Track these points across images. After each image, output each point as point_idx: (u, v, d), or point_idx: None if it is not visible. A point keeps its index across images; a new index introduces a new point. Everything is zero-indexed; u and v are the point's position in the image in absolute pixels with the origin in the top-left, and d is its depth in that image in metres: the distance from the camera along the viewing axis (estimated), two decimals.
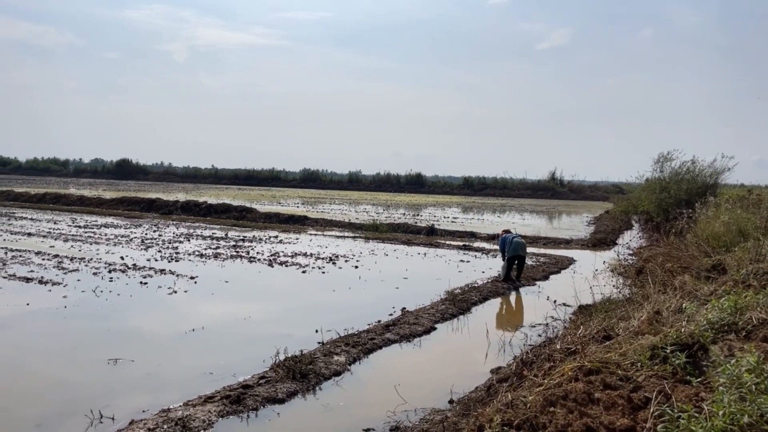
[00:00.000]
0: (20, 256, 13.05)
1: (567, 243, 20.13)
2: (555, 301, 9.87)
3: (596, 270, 13.34)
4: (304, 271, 12.50)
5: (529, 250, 16.98)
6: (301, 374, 6.01)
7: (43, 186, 48.19)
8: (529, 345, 6.90)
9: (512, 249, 11.81)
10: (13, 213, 25.05)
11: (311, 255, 14.87)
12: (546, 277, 13.06)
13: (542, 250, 17.65)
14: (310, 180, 76.22)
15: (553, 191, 63.77)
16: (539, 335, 7.73)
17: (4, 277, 10.63)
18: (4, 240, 15.81)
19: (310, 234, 20.60)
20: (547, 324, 8.20)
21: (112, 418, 5.01)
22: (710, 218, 12.63)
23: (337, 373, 6.31)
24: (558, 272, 13.86)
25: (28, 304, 8.78)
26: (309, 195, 52.88)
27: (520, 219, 31.09)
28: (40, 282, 10.35)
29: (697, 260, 9.52)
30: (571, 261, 15.60)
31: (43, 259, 12.73)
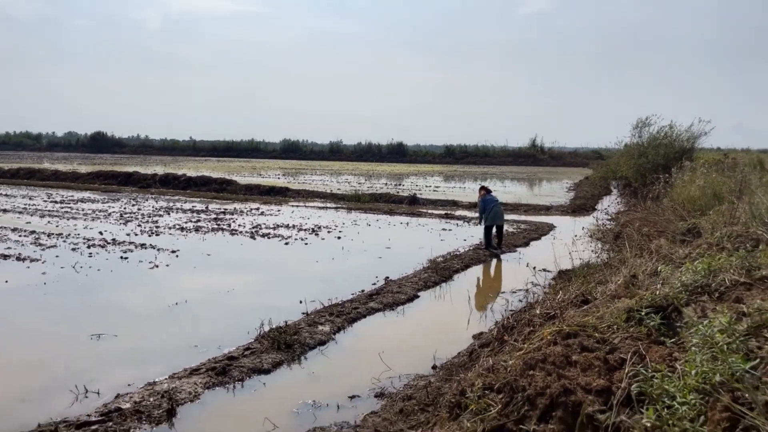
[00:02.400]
0: None
1: (547, 210, 20.34)
2: (535, 267, 10.03)
3: (575, 236, 13.53)
4: (286, 243, 12.49)
5: (511, 217, 17.21)
6: (286, 344, 6.06)
7: (16, 161, 47.03)
8: (510, 311, 7.02)
9: (491, 217, 11.88)
10: None
11: (293, 226, 14.84)
12: (527, 244, 13.23)
13: (523, 217, 17.83)
14: (291, 151, 75.44)
15: (533, 158, 64.09)
16: (520, 301, 7.87)
17: None
18: None
19: (292, 205, 20.51)
20: (528, 290, 8.35)
21: (98, 393, 5.02)
22: (686, 182, 12.84)
23: (322, 343, 6.38)
24: (538, 239, 14.04)
25: (6, 281, 8.66)
26: (290, 166, 52.43)
27: (501, 186, 31.27)
28: (18, 259, 10.20)
29: (672, 224, 9.71)
30: (551, 227, 15.80)
31: (20, 236, 12.52)
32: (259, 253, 11.53)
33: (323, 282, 9.03)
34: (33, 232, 13.06)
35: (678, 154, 21.05)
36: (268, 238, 13.09)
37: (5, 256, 10.35)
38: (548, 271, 9.62)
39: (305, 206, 20.26)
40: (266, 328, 6.39)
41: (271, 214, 17.50)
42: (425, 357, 5.91)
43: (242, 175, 35.50)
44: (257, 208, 19.01)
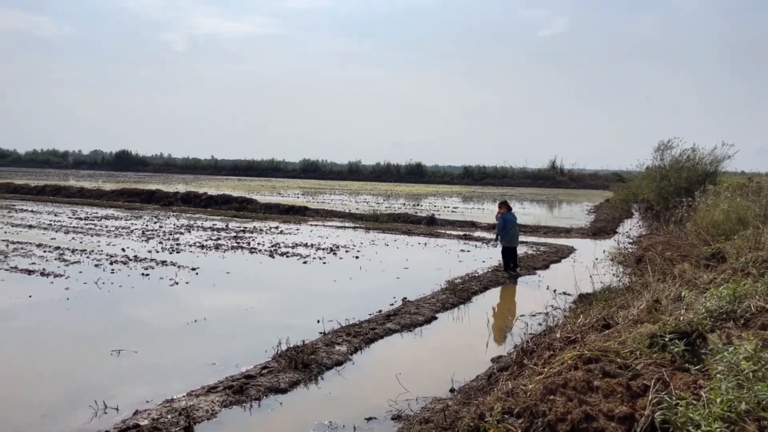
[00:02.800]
0: (22, 248, 13.08)
1: (567, 232, 20.15)
2: (555, 290, 9.91)
3: (596, 259, 13.37)
4: (305, 262, 12.54)
5: (530, 239, 17.12)
6: (303, 364, 6.05)
7: (43, 178, 48.19)
8: (530, 334, 6.93)
9: (508, 239, 11.80)
10: (14, 205, 25.07)
11: (312, 245, 14.91)
12: (546, 266, 13.09)
13: (542, 239, 17.67)
14: (310, 170, 76.12)
15: (553, 180, 63.66)
16: (539, 324, 7.77)
17: (6, 270, 10.67)
18: (5, 232, 15.84)
19: (311, 224, 20.62)
20: (547, 313, 8.23)
21: (117, 409, 5.06)
22: (710, 206, 12.64)
23: (339, 363, 6.35)
24: (558, 261, 13.88)
25: (30, 296, 8.82)
26: (309, 185, 52.87)
27: (520, 208, 31.07)
28: (42, 274, 10.39)
29: (696, 248, 9.55)
30: (571, 250, 15.62)
31: (45, 251, 12.77)
32: (277, 272, 11.59)
33: (341, 301, 9.02)
34: (57, 248, 13.32)
35: (701, 177, 20.79)
36: (287, 256, 13.16)
37: (30, 272, 10.56)
38: (568, 295, 9.50)
39: (324, 225, 20.35)
40: (284, 347, 6.39)
41: (290, 233, 17.61)
42: (443, 379, 5.85)
43: (262, 194, 35.87)
44: (276, 227, 19.15)
